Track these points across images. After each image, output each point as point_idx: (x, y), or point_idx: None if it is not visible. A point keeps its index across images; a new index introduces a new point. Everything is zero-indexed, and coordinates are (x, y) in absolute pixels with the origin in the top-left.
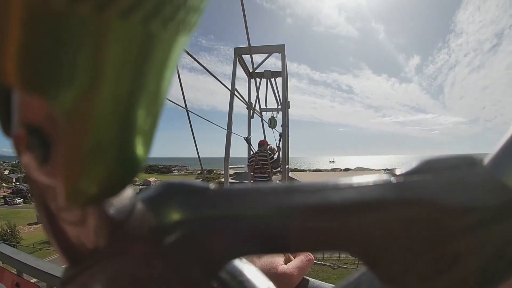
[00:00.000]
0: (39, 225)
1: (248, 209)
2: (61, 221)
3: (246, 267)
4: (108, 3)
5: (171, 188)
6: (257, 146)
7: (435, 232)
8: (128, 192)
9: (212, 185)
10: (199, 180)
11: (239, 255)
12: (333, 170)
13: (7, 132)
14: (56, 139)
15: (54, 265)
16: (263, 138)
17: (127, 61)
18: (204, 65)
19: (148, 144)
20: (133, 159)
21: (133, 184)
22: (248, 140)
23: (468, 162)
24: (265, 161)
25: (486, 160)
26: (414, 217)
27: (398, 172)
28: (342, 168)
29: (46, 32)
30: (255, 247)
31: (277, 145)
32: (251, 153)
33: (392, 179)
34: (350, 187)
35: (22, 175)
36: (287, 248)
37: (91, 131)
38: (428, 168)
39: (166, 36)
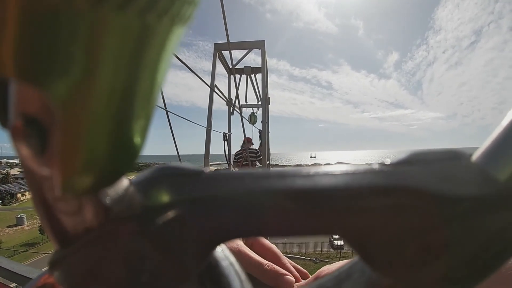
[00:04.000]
0: (19, 227)
1: (240, 192)
2: (56, 211)
3: (230, 258)
4: None
5: (163, 171)
6: (239, 143)
7: (423, 220)
8: (124, 182)
9: (206, 169)
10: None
11: (230, 237)
12: (313, 165)
13: (5, 123)
14: (53, 130)
15: (30, 267)
16: (243, 135)
17: (123, 53)
18: (183, 60)
19: (143, 135)
20: (129, 149)
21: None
22: (228, 136)
23: (457, 156)
24: (254, 158)
25: (475, 154)
26: (402, 205)
27: (388, 161)
28: (323, 163)
29: (42, 24)
30: (246, 230)
31: (260, 143)
32: (227, 149)
33: (382, 167)
34: (340, 173)
35: (0, 176)
36: (278, 231)
37: (87, 122)
38: (417, 159)
39: (161, 28)
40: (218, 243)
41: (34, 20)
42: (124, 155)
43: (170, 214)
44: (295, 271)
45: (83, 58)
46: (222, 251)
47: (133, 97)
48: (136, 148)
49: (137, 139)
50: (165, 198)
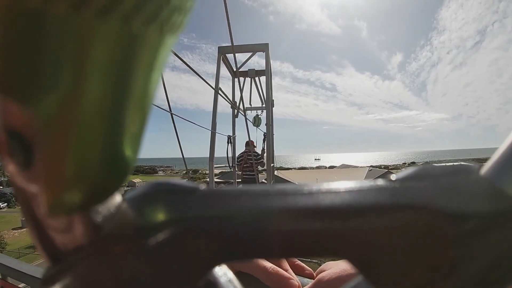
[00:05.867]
0: (24, 229)
1: (238, 212)
2: (46, 227)
3: (228, 274)
4: (83, 1)
5: (157, 187)
6: (243, 145)
7: (431, 238)
8: (116, 199)
9: (201, 186)
10: (188, 180)
11: (227, 259)
12: (318, 167)
13: None
14: (38, 145)
15: (39, 268)
16: (247, 137)
17: (110, 63)
18: (188, 63)
19: (135, 148)
20: (120, 164)
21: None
22: (232, 139)
23: (465, 170)
24: (255, 160)
25: (484, 168)
26: (410, 223)
27: (394, 177)
28: (327, 165)
29: (23, 34)
30: (244, 252)
31: (262, 147)
32: (230, 151)
33: (388, 184)
34: (345, 191)
35: (6, 179)
36: (278, 253)
37: (74, 138)
38: (425, 174)
39: (149, 36)
40: (215, 265)
41: (13, 31)
42: (115, 170)
43: (164, 233)
44: (294, 275)
45: (67, 71)
46: (220, 268)
47: (123, 109)
48: (128, 162)
49: (128, 153)
50: (159, 216)
